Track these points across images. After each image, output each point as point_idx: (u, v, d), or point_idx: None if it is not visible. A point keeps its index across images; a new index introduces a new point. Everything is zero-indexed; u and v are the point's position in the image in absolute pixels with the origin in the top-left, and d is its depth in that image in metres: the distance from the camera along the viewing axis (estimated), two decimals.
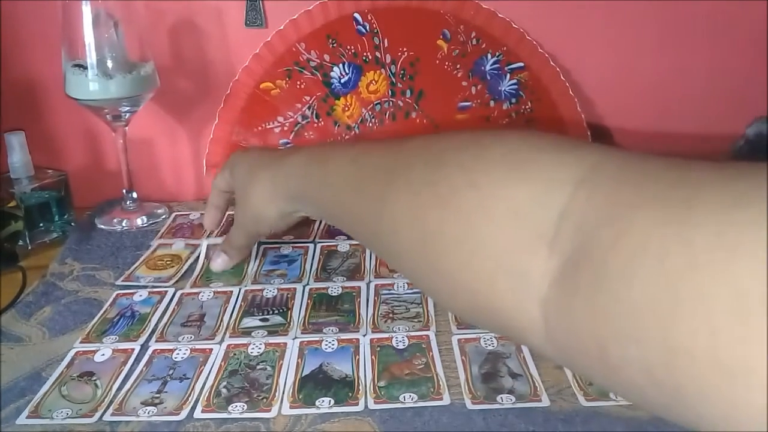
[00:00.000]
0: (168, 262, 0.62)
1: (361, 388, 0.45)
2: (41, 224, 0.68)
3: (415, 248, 0.37)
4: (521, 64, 0.73)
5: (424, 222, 0.36)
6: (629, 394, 0.27)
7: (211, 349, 0.49)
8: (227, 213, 0.64)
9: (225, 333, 0.51)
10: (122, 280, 0.59)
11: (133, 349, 0.50)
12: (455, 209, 0.34)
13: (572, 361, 0.30)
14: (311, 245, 0.64)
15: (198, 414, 0.43)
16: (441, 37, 0.73)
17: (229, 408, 0.43)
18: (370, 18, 0.72)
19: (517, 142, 0.34)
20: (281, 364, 0.47)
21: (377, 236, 0.42)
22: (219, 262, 0.60)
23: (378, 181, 0.41)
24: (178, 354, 0.49)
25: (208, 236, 0.64)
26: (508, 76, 0.74)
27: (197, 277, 0.60)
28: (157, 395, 0.45)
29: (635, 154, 0.30)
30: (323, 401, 0.43)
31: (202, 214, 0.73)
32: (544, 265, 0.29)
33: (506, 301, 0.32)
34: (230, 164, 0.58)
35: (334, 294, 0.56)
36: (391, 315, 0.53)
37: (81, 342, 0.51)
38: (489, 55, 0.73)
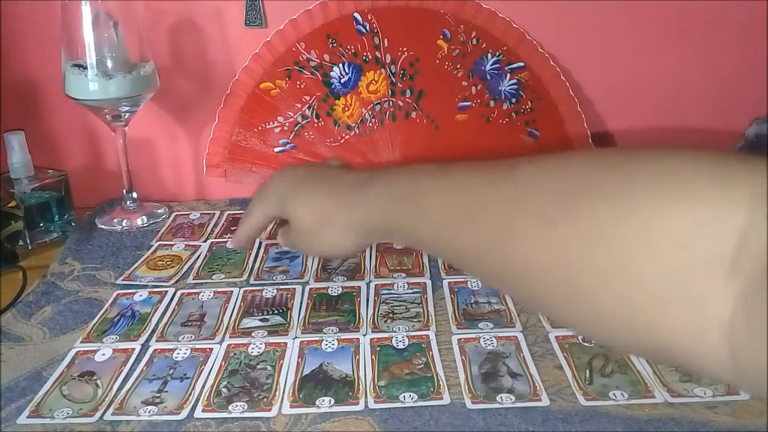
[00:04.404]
0: (168, 262, 0.63)
1: (361, 387, 0.45)
2: (41, 224, 0.69)
3: (555, 285, 0.34)
4: (521, 64, 0.73)
5: (566, 257, 0.32)
6: None
7: (212, 349, 0.49)
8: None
9: (225, 333, 0.51)
10: (122, 280, 0.60)
11: (133, 349, 0.50)
12: (607, 241, 0.30)
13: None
14: None
15: (198, 413, 0.43)
16: (441, 36, 0.73)
17: (230, 407, 0.43)
18: (370, 18, 0.72)
19: (669, 160, 0.31)
20: (281, 364, 0.47)
21: (502, 271, 0.37)
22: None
23: (498, 213, 0.37)
24: (178, 354, 0.49)
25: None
26: (508, 76, 0.74)
27: (199, 268, 0.61)
28: (158, 395, 0.45)
29: None
30: (323, 401, 0.44)
31: (202, 213, 0.73)
32: (723, 290, 0.27)
33: (676, 330, 0.29)
34: (274, 193, 0.52)
35: (334, 294, 0.56)
36: (391, 315, 0.53)
37: (81, 342, 0.51)
38: (489, 55, 0.73)
